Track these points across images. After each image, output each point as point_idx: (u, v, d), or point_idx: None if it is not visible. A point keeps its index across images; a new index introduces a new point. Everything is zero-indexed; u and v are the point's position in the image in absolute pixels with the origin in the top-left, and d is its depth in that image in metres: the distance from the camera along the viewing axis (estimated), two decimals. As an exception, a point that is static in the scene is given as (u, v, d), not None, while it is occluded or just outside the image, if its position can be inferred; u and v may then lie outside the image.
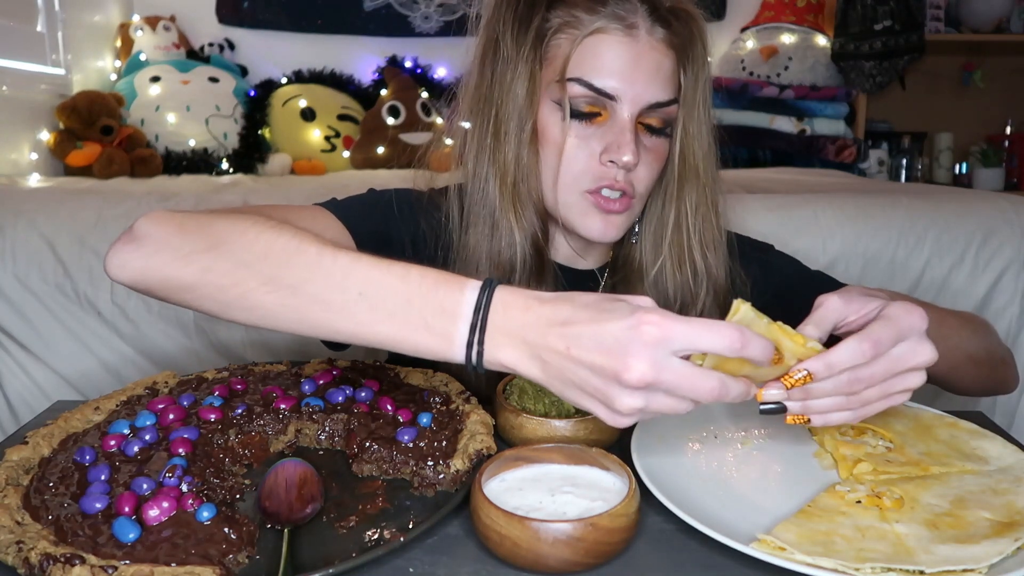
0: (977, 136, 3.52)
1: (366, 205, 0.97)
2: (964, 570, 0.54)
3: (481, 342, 0.58)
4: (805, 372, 0.60)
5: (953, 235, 1.44)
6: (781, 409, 0.63)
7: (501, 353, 0.58)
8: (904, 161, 3.42)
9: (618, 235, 0.93)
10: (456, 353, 0.59)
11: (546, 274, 0.96)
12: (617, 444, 0.76)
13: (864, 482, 0.67)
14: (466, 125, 0.96)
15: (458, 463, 0.68)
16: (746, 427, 0.78)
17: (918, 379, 0.63)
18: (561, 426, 0.74)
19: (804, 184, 2.11)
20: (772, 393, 0.62)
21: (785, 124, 2.99)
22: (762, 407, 0.63)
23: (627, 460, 0.66)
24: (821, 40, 3.06)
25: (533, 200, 0.92)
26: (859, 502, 0.64)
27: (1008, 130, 3.47)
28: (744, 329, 0.56)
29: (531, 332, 0.57)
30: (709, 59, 0.93)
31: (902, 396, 0.63)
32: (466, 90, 0.95)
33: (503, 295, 0.59)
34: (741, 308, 0.60)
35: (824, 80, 3.03)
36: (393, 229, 0.96)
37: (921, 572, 0.54)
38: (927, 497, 0.64)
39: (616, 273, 1.02)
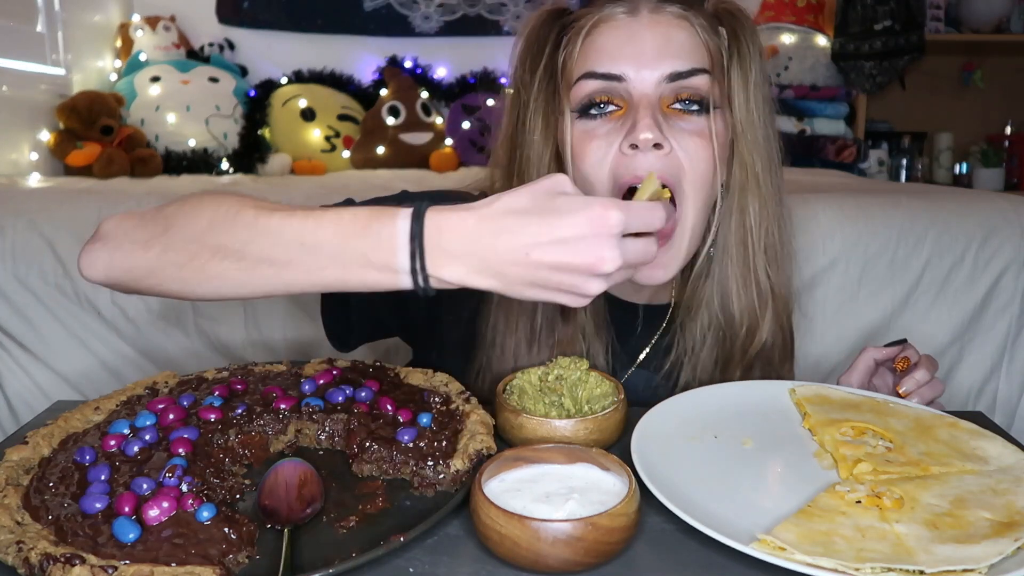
0: (977, 136, 3.52)
1: None
2: (964, 570, 0.54)
3: (424, 268, 0.59)
4: None
5: (953, 235, 1.44)
6: None
7: (445, 272, 0.60)
8: (904, 161, 3.42)
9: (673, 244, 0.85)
10: (403, 281, 0.61)
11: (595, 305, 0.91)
12: (617, 444, 0.76)
13: (864, 482, 0.67)
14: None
15: (458, 463, 0.68)
16: (746, 427, 0.78)
17: None
18: (561, 426, 0.74)
19: (804, 184, 2.10)
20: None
21: (785, 124, 2.98)
22: None
23: (627, 460, 0.66)
24: (821, 40, 3.06)
25: None
26: (859, 502, 0.63)
27: (1008, 130, 3.48)
28: (660, 207, 0.63)
29: (478, 246, 0.58)
30: (755, 45, 0.86)
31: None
32: (498, 138, 0.95)
33: (435, 217, 0.60)
34: (655, 180, 0.70)
35: (824, 80, 3.03)
36: None
37: (921, 572, 0.54)
38: (927, 497, 0.64)
39: (683, 294, 0.95)
